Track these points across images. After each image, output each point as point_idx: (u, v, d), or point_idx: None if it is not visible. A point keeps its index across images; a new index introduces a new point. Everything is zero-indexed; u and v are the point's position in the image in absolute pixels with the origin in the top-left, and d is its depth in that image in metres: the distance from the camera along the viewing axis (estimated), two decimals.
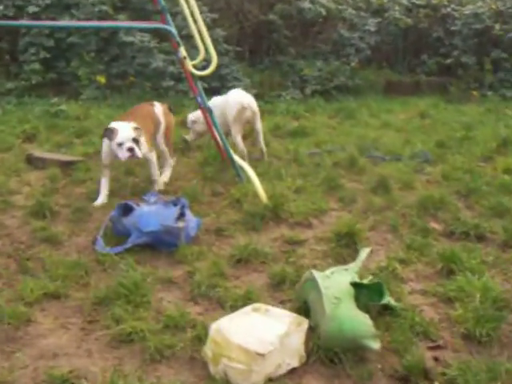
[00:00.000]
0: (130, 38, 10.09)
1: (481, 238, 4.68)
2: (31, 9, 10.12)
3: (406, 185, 5.89)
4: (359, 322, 3.14)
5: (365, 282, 3.59)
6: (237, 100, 6.58)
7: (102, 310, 3.58)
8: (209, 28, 5.54)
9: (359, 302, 3.31)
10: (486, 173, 6.31)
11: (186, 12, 5.55)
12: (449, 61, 12.15)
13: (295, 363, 3.04)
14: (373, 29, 12.07)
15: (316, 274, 3.38)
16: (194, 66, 5.52)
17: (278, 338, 2.96)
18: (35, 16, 10.08)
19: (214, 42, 5.57)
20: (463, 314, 3.49)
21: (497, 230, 4.80)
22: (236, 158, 5.75)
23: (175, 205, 4.60)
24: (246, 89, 8.34)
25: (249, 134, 7.04)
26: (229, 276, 4.02)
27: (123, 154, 5.13)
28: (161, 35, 10.34)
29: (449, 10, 12.56)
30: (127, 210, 4.58)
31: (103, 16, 10.15)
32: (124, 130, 5.16)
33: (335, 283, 3.32)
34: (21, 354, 3.18)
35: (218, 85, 9.98)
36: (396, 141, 7.70)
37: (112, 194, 5.41)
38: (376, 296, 3.55)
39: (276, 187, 5.47)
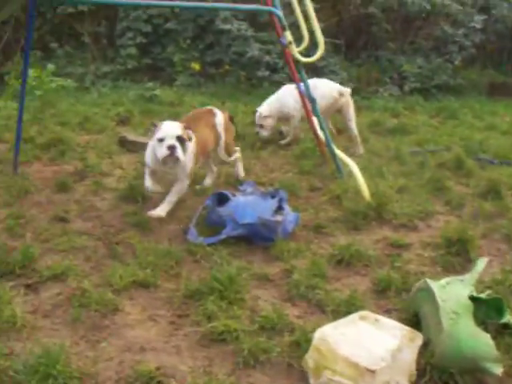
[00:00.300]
0: (226, 26, 9.96)
1: None
2: None
3: None
4: (480, 341, 2.77)
5: (483, 296, 3.21)
6: (332, 88, 6.64)
7: (192, 304, 3.34)
8: (307, 19, 5.27)
9: (476, 318, 2.94)
10: None
11: None
12: None
13: (405, 382, 2.70)
14: (478, 26, 11.47)
15: (432, 283, 3.04)
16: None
17: (390, 352, 2.62)
18: None
19: (313, 33, 5.29)
20: None
21: None
22: (338, 152, 5.42)
23: (273, 197, 4.34)
24: (343, 83, 8.05)
25: (345, 129, 6.90)
26: (329, 278, 3.70)
27: (161, 152, 4.37)
28: (257, 24, 10.16)
29: None
30: (222, 199, 4.36)
31: (201, 1, 10.02)
32: (169, 125, 4.49)
33: (453, 296, 2.96)
34: (106, 344, 2.98)
35: (314, 77, 9.66)
36: (504, 144, 7.20)
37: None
38: (493, 313, 3.17)
39: (378, 185, 5.11)
